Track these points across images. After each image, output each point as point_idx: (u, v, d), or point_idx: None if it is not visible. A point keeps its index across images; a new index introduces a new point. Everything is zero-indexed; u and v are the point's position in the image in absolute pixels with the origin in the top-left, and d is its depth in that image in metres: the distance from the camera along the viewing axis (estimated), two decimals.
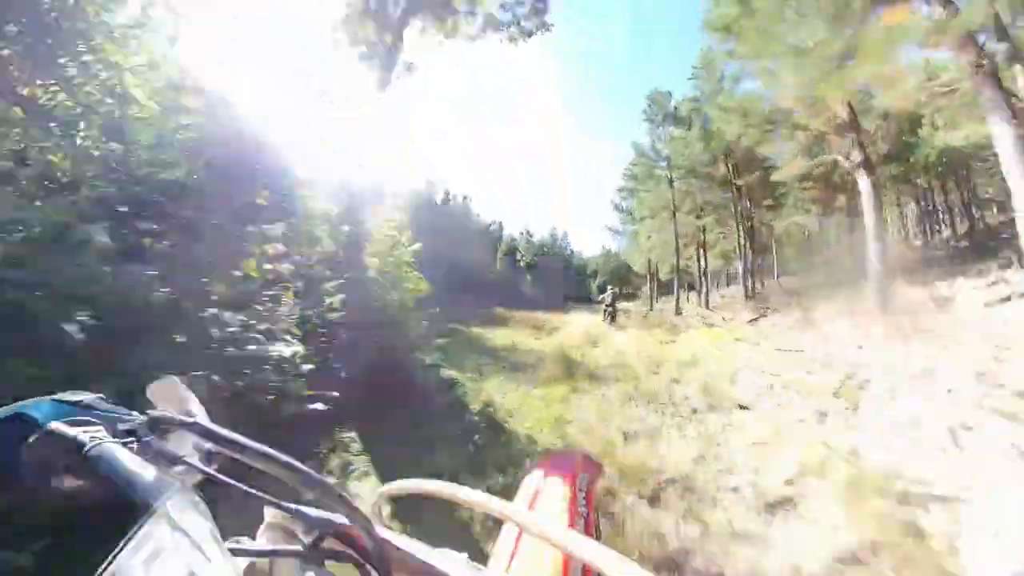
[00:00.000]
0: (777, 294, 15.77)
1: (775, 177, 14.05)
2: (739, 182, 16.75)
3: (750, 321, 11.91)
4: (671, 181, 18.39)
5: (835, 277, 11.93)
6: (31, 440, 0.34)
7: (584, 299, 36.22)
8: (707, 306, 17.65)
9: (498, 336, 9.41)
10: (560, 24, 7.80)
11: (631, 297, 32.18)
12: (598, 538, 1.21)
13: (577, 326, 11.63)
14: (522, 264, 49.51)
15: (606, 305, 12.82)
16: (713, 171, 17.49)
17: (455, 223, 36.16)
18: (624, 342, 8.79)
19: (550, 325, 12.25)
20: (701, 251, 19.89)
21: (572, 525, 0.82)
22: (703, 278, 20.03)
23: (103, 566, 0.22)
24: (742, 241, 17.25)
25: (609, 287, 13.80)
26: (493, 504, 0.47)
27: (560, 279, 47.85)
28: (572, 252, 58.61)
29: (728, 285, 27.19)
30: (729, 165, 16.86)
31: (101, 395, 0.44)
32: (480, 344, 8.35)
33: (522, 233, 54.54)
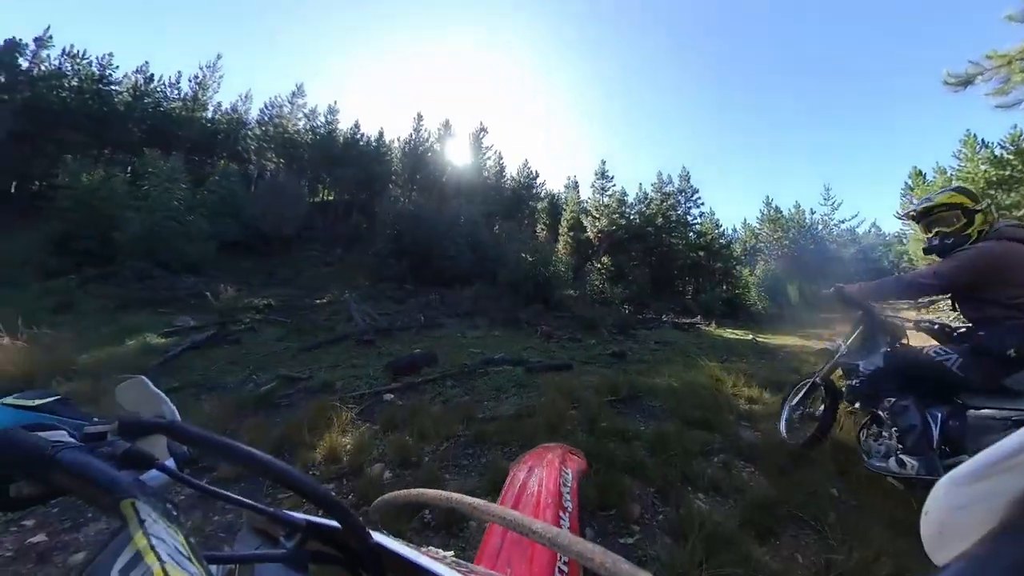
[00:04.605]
0: None
1: None
2: None
3: None
4: None
5: None
6: None
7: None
8: None
9: None
10: None
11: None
12: (582, 532, 1.22)
13: None
14: (591, 237, 24.65)
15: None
16: None
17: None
18: None
19: None
20: None
21: (556, 521, 0.83)
22: None
23: (80, 573, 0.22)
24: None
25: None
26: (490, 509, 0.47)
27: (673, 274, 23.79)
28: (699, 211, 26.54)
29: None
30: None
31: (62, 396, 0.41)
32: None
33: (598, 178, 26.88)
